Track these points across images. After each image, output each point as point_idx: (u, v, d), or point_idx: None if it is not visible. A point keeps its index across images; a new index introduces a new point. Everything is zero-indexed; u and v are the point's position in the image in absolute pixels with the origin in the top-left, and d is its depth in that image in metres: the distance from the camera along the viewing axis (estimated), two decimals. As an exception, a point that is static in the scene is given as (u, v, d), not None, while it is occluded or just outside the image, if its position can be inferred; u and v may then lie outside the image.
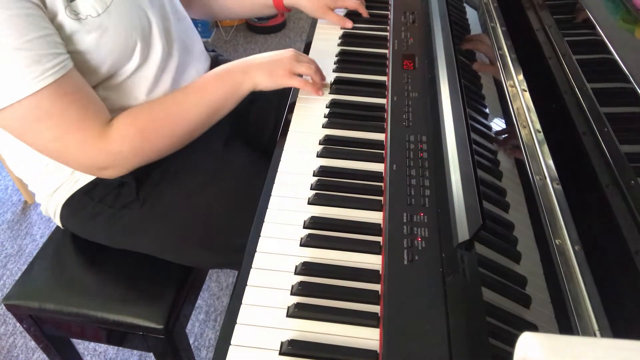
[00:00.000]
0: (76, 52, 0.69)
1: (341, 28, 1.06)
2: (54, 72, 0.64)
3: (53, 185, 0.84)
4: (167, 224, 0.85)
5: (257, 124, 1.07)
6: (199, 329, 1.39)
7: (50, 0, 0.65)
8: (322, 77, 0.88)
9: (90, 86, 0.73)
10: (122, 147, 0.72)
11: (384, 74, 0.92)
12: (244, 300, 0.57)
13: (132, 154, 0.74)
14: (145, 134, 0.74)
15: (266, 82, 0.81)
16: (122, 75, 0.77)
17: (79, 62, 0.70)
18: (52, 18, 0.66)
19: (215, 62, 1.01)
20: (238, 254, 0.63)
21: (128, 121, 0.73)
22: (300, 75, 0.85)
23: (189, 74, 0.90)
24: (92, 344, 1.35)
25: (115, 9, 0.71)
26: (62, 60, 0.65)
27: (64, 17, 0.66)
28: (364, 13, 1.08)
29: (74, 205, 0.85)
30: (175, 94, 0.79)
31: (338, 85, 0.89)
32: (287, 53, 0.84)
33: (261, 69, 0.81)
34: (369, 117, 0.83)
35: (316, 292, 0.57)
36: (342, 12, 1.09)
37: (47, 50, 0.63)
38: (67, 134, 0.68)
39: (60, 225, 0.91)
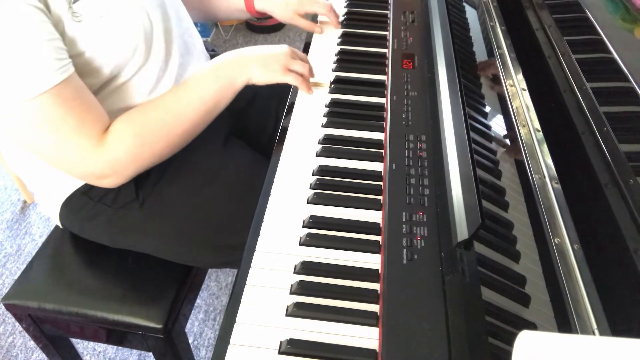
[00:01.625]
0: (79, 54, 0.69)
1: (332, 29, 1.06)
2: (55, 77, 0.64)
3: (52, 185, 0.84)
4: (166, 224, 0.84)
5: (257, 123, 1.06)
6: (198, 328, 1.39)
7: (53, 4, 0.64)
8: (313, 76, 0.87)
9: (93, 88, 0.73)
10: (119, 154, 0.71)
11: (384, 73, 0.92)
12: (243, 300, 0.57)
13: (130, 160, 0.73)
14: (142, 138, 0.73)
15: (262, 76, 0.80)
16: (124, 77, 0.76)
17: (82, 65, 0.70)
18: (56, 22, 0.65)
19: None
20: (239, 253, 0.63)
21: (124, 126, 0.72)
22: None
23: (190, 74, 0.89)
24: (91, 343, 1.35)
25: (117, 10, 0.71)
26: (63, 65, 0.65)
27: (67, 20, 0.66)
28: (334, 22, 1.05)
29: (73, 205, 0.84)
30: (169, 94, 0.78)
31: (337, 85, 0.89)
32: (284, 49, 0.83)
33: (257, 63, 0.79)
34: (369, 117, 0.83)
35: (315, 291, 0.57)
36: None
37: (50, 54, 0.63)
38: (66, 140, 0.68)
39: (59, 224, 0.91)
